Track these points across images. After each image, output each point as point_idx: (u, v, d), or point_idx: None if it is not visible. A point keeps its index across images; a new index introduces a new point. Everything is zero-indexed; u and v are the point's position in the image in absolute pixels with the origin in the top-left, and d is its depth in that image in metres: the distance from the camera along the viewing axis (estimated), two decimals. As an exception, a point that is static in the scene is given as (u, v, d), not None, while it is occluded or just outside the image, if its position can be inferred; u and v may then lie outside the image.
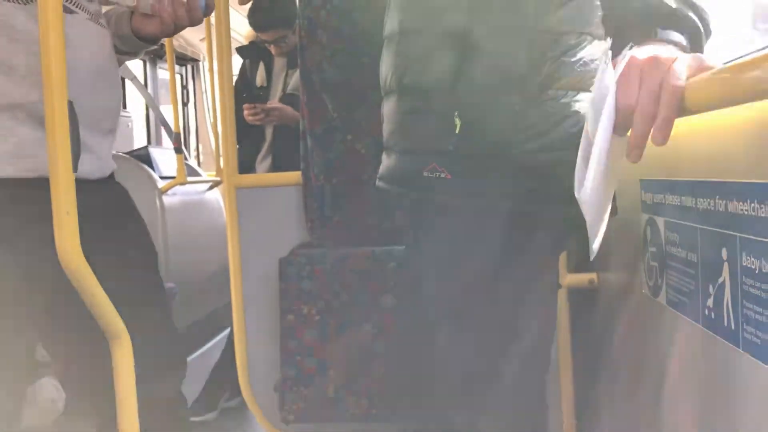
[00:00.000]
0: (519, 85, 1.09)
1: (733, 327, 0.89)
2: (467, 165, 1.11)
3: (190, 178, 3.75)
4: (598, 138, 0.88)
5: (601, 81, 0.84)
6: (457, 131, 1.11)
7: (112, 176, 1.37)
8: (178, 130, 3.62)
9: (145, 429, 1.28)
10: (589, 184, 0.91)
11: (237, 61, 2.85)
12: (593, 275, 1.69)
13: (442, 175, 1.13)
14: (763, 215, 0.80)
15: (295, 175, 1.75)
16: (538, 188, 1.10)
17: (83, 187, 1.22)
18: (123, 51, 1.44)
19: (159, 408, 1.38)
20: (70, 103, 1.20)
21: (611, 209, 1.20)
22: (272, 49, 2.78)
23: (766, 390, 0.82)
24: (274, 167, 2.67)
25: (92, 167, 1.26)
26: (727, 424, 0.95)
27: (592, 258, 1.06)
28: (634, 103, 0.80)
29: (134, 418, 1.25)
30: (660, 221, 1.17)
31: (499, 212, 1.13)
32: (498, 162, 1.11)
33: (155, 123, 4.91)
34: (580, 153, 0.94)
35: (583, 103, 1.10)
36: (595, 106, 0.86)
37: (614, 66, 0.85)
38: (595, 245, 1.05)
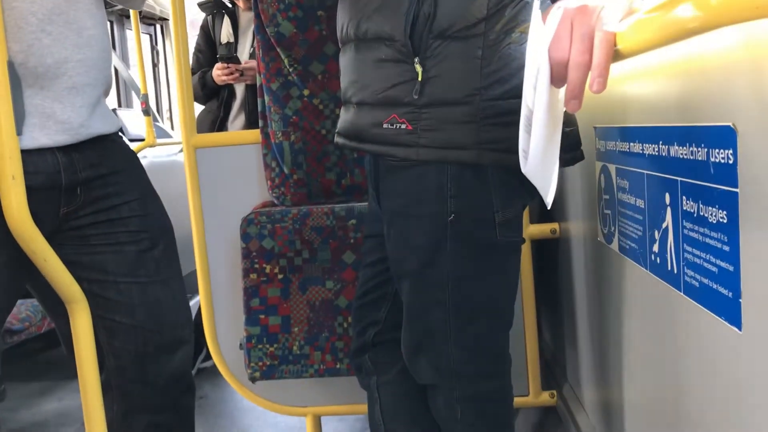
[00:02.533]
0: (480, 30, 1.06)
1: (675, 271, 0.90)
2: (429, 115, 1.09)
3: (160, 140, 3.71)
4: (538, 105, 0.87)
5: (532, 39, 0.84)
6: (419, 79, 1.09)
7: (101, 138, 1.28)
8: (146, 92, 3.56)
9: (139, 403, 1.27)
10: (534, 157, 0.91)
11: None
12: (555, 225, 1.70)
13: (403, 127, 1.11)
14: (700, 158, 0.80)
15: (254, 134, 1.73)
16: (500, 138, 1.07)
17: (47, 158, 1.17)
18: None
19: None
20: (10, 63, 1.17)
21: (577, 155, 1.19)
22: (240, 2, 2.73)
23: (704, 332, 0.83)
24: (249, 127, 2.64)
25: (50, 133, 1.18)
26: (671, 363, 0.96)
27: (548, 208, 1.06)
28: (566, 55, 0.79)
29: (96, 383, 1.25)
30: (612, 168, 1.17)
31: (461, 164, 1.11)
32: (460, 111, 1.08)
33: (124, 85, 4.83)
34: (522, 122, 0.93)
35: None
36: (530, 71, 0.85)
37: (544, 20, 0.84)
38: (549, 200, 1.05)
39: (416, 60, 1.08)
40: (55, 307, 1.32)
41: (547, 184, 0.93)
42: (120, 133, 1.37)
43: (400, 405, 1.31)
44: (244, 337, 1.64)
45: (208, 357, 2.93)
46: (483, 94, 1.07)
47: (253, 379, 1.65)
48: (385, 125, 1.11)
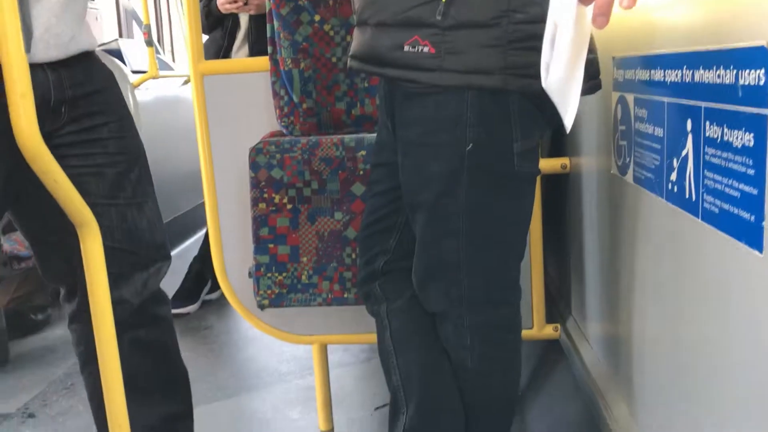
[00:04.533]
0: None
1: (694, 198, 0.90)
2: (453, 38, 1.05)
3: (162, 73, 3.66)
4: (565, 20, 0.85)
5: None
6: (443, 0, 1.05)
7: (85, 56, 1.28)
8: (148, 22, 3.50)
9: (119, 321, 1.29)
10: (557, 72, 0.89)
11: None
12: (565, 160, 1.69)
13: (425, 49, 1.07)
14: (727, 82, 0.78)
15: (263, 61, 1.70)
16: (528, 63, 1.04)
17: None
18: None
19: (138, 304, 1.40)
20: (15, -21, 1.14)
21: (596, 84, 1.17)
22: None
23: (723, 257, 0.83)
24: (252, 56, 2.60)
25: (45, 47, 1.18)
26: (684, 291, 0.97)
27: (567, 132, 1.04)
28: None
29: (107, 305, 1.26)
30: (630, 98, 1.16)
31: (482, 92, 1.08)
32: (486, 34, 1.04)
33: (125, 14, 4.74)
34: (546, 36, 0.91)
35: None
36: None
37: None
38: (568, 121, 1.03)
39: None
40: (39, 232, 1.36)
41: (567, 102, 0.92)
42: (120, 62, 1.37)
43: (409, 332, 1.32)
44: (253, 266, 1.64)
45: (213, 289, 2.96)
46: (511, 17, 1.04)
47: (261, 307, 1.66)
48: (406, 48, 1.08)
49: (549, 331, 1.73)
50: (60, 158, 1.22)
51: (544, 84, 0.92)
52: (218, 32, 2.70)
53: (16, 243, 2.25)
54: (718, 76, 0.81)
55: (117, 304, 1.27)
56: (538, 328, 1.71)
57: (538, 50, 1.03)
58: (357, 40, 1.19)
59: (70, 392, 2.21)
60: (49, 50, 1.18)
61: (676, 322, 1.01)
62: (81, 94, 1.25)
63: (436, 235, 1.21)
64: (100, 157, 1.29)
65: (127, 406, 1.26)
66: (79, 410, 2.07)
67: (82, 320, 1.38)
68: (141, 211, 1.36)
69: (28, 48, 1.12)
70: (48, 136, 1.22)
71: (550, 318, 1.76)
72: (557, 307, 1.90)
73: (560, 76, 0.91)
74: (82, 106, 1.26)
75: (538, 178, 1.71)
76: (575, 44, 0.86)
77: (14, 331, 2.57)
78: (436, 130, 1.14)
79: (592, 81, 1.15)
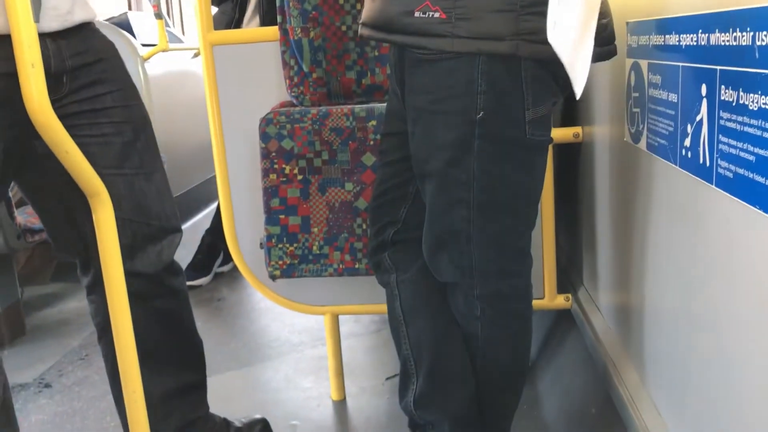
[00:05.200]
0: None
1: (708, 164, 0.88)
2: (464, 3, 1.04)
3: (172, 45, 3.64)
4: None
5: None
6: None
7: (85, 27, 1.29)
8: (157, -7, 3.48)
9: (135, 293, 1.30)
10: (567, 33, 0.87)
11: None
12: (578, 129, 1.67)
13: (436, 15, 1.06)
14: (744, 43, 0.77)
15: (273, 30, 1.68)
16: (540, 28, 1.01)
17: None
18: None
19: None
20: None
21: (611, 50, 1.15)
22: None
23: (736, 223, 0.82)
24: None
25: (44, 19, 1.17)
26: (697, 258, 0.96)
27: (577, 98, 1.03)
28: None
29: (120, 275, 1.26)
30: (644, 64, 1.14)
31: (493, 58, 1.07)
32: None
33: (133, -13, 4.72)
34: None
35: None
36: None
37: None
38: (578, 87, 1.02)
39: None
40: (48, 203, 1.36)
41: (577, 67, 0.90)
42: (129, 36, 1.37)
43: (420, 301, 1.32)
44: (265, 237, 1.65)
45: (225, 262, 2.98)
46: None
47: (273, 277, 1.67)
48: (416, 13, 1.06)
49: (560, 300, 1.72)
50: (66, 128, 1.22)
51: (550, 39, 0.90)
52: (228, 4, 2.67)
53: (29, 216, 2.27)
54: (734, 38, 0.79)
55: (132, 276, 1.27)
56: (549, 298, 1.71)
57: (546, 15, 1.01)
58: (367, 6, 1.18)
59: (85, 363, 2.23)
60: (47, 21, 1.18)
61: (689, 290, 1.00)
62: (80, 64, 1.26)
63: (446, 204, 1.20)
64: (106, 127, 1.29)
65: (142, 375, 1.28)
66: (94, 380, 2.09)
67: (98, 291, 1.39)
68: (149, 181, 1.36)
69: (37, 17, 1.12)
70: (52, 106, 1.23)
71: (562, 288, 1.75)
72: (569, 277, 1.90)
73: (571, 38, 0.89)
74: (82, 76, 1.26)
75: (550, 147, 1.70)
76: (586, 7, 0.84)
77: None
78: (446, 97, 1.12)
79: (606, 47, 1.13)
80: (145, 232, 1.36)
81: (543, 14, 1.01)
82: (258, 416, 1.68)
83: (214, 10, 2.71)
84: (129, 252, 1.32)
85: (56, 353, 2.32)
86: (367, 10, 1.17)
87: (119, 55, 1.37)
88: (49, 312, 2.70)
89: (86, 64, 1.27)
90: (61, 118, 1.22)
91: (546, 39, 0.99)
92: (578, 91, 0.95)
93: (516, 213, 1.21)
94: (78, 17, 1.25)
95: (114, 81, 1.32)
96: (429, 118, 1.17)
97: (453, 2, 1.04)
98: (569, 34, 0.86)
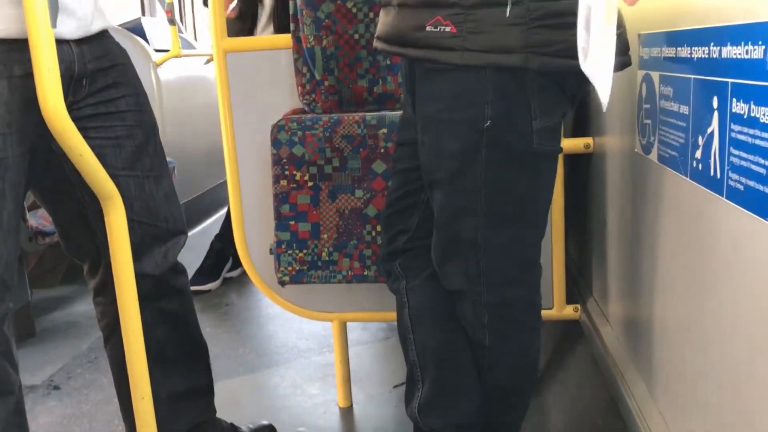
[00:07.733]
0: None
1: (719, 176, 0.89)
2: (475, 17, 1.05)
3: (185, 51, 3.67)
4: (596, 2, 0.85)
5: None
6: None
7: (102, 34, 1.33)
8: (171, 0, 3.50)
9: (142, 294, 1.32)
10: (593, 53, 0.88)
11: None
12: (589, 140, 1.67)
13: (447, 29, 1.07)
14: (756, 57, 0.77)
15: (285, 38, 1.70)
16: (549, 41, 1.04)
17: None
18: None
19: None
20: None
21: (625, 60, 1.16)
22: None
23: (747, 236, 0.82)
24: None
25: (69, 27, 1.22)
26: (707, 270, 0.96)
27: (604, 109, 1.04)
28: None
29: (131, 277, 1.27)
30: (655, 76, 1.14)
31: (501, 69, 1.08)
32: (508, 12, 1.04)
33: (147, -6, 4.75)
34: (580, 20, 0.90)
35: None
36: None
37: None
38: (604, 99, 1.02)
39: None
40: (60, 205, 1.38)
41: (603, 80, 0.91)
42: (143, 41, 1.41)
43: (428, 309, 1.33)
44: (274, 242, 1.65)
45: (234, 267, 2.99)
46: None
47: (282, 283, 1.68)
48: (428, 28, 1.08)
49: (569, 311, 1.72)
50: (81, 130, 1.24)
51: (583, 67, 0.91)
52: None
53: (41, 219, 2.28)
54: (746, 51, 0.79)
55: (139, 277, 1.29)
56: (558, 308, 1.71)
57: (559, 27, 1.03)
58: (382, 21, 1.20)
59: (94, 366, 2.25)
60: (75, 30, 1.23)
61: (698, 302, 1.00)
62: (99, 68, 1.29)
63: (454, 213, 1.21)
64: (120, 129, 1.32)
65: (150, 377, 1.29)
66: (102, 383, 2.10)
67: (105, 294, 1.40)
68: (158, 184, 1.39)
69: (54, 23, 1.13)
70: (68, 108, 1.24)
71: (571, 298, 1.75)
72: (578, 287, 1.90)
73: (597, 59, 0.90)
74: (100, 79, 1.29)
75: (561, 158, 1.70)
76: (605, 22, 0.85)
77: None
78: (454, 106, 1.13)
79: (620, 57, 1.13)
80: (153, 233, 1.39)
81: (552, 27, 1.03)
82: (265, 422, 1.68)
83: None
84: (136, 253, 1.34)
85: (65, 356, 2.33)
86: (382, 25, 1.19)
87: (131, 62, 1.41)
88: (59, 314, 2.72)
89: (103, 68, 1.30)
90: (78, 119, 1.25)
91: (553, 51, 1.01)
92: (604, 102, 0.96)
93: (523, 222, 1.22)
94: (96, 26, 1.30)
95: (128, 86, 1.35)
96: (437, 127, 1.18)
97: (464, 17, 1.05)
98: (595, 51, 0.87)
